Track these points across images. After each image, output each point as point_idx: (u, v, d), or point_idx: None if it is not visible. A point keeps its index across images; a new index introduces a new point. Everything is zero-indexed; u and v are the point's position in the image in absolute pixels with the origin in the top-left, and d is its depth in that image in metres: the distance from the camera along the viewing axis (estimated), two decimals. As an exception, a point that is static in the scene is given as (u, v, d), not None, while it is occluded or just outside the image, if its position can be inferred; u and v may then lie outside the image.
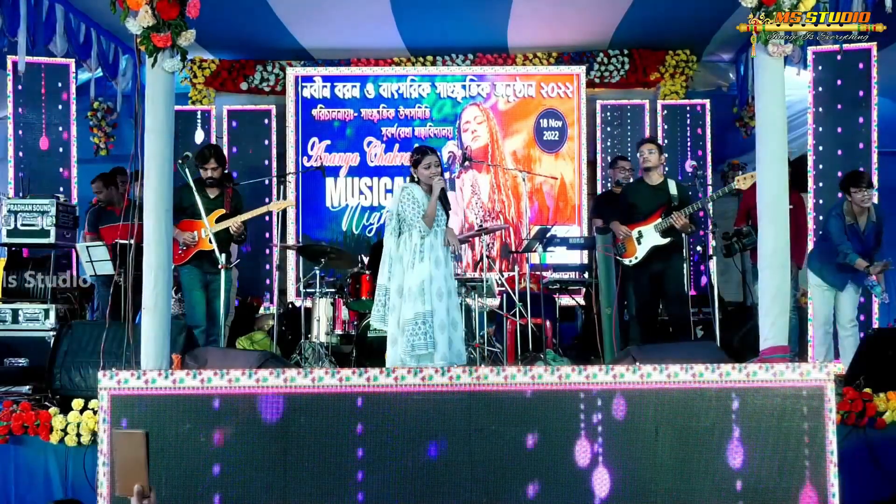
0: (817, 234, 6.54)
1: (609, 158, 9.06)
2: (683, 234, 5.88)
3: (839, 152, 6.74)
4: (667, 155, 6.02)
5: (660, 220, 5.80)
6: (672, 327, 6.05)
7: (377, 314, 5.27)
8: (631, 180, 7.40)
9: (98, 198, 6.96)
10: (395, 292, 5.17)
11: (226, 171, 6.22)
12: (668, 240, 5.82)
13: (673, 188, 5.93)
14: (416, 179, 5.28)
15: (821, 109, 6.85)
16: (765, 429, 3.33)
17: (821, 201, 6.75)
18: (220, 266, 5.56)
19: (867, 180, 6.06)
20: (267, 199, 8.52)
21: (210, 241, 5.73)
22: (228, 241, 5.97)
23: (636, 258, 5.89)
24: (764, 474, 3.32)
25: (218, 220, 5.89)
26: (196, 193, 5.47)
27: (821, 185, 6.80)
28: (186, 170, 5.70)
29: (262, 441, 3.31)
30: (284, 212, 8.61)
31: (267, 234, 9.06)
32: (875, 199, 6.31)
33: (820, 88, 6.87)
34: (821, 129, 6.85)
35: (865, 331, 6.14)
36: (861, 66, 6.75)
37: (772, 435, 3.33)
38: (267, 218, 8.62)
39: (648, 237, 5.85)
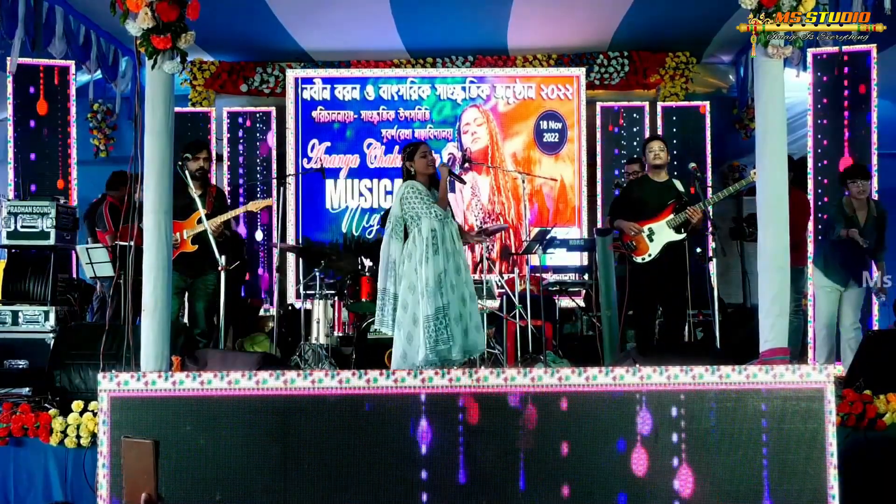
0: (818, 234, 6.55)
1: (609, 160, 9.09)
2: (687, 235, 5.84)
3: (839, 154, 6.74)
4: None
5: (672, 215, 5.74)
6: (668, 332, 6.01)
7: (380, 318, 5.27)
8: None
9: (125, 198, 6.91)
10: (407, 289, 5.16)
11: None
12: (682, 235, 5.76)
13: (679, 185, 5.90)
14: (412, 175, 5.32)
15: (820, 111, 6.86)
16: (765, 431, 3.33)
17: (821, 201, 6.76)
18: (220, 268, 5.56)
19: (863, 172, 6.07)
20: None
21: (194, 243, 5.77)
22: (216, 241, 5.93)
23: (650, 255, 5.77)
24: (765, 476, 3.32)
25: (199, 221, 5.83)
26: (180, 193, 5.32)
27: (820, 187, 6.81)
28: (186, 172, 5.72)
29: (262, 443, 3.31)
30: (284, 213, 8.62)
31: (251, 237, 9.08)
32: (875, 197, 6.33)
33: (819, 90, 6.87)
34: (820, 130, 6.85)
35: (865, 332, 6.14)
36: (861, 67, 6.76)
37: (772, 437, 3.33)
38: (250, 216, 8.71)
39: (661, 234, 5.75)
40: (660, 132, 8.96)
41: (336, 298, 7.21)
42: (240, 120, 9.25)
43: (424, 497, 3.30)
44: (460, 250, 5.33)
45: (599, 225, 8.58)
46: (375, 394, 3.32)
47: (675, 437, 3.33)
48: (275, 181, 8.75)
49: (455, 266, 5.23)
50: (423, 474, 3.31)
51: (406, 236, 5.26)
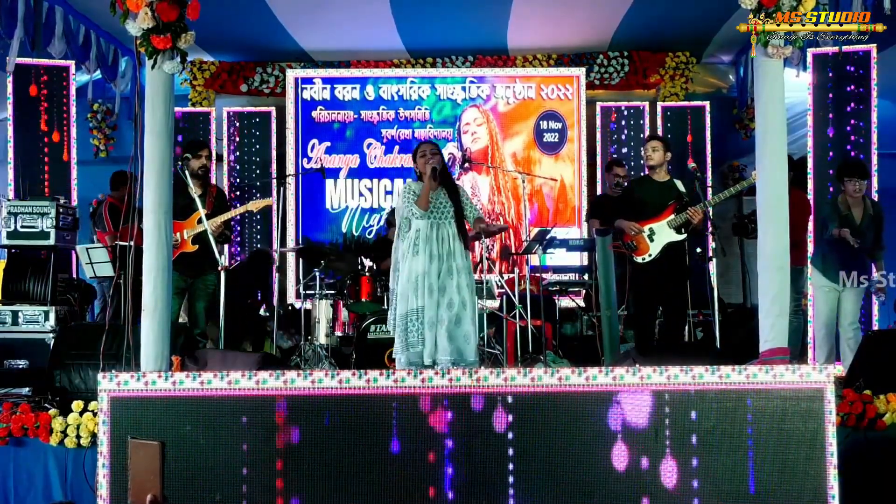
0: (817, 234, 6.54)
1: (608, 160, 9.07)
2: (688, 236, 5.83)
3: (839, 154, 6.74)
4: (669, 154, 5.96)
5: (673, 216, 5.74)
6: (668, 332, 6.01)
7: (390, 319, 5.25)
8: (626, 184, 7.40)
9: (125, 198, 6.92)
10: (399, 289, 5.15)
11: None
12: (683, 236, 5.74)
13: (680, 186, 5.89)
14: (420, 175, 5.26)
15: (820, 111, 6.85)
16: (765, 431, 3.33)
17: (821, 201, 6.75)
18: (219, 267, 5.56)
19: (860, 171, 6.06)
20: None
21: (194, 243, 5.77)
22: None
23: (650, 255, 5.75)
24: (764, 476, 3.32)
25: (199, 221, 5.82)
26: (180, 193, 5.29)
27: (820, 187, 6.80)
28: (187, 172, 5.71)
29: (262, 443, 3.31)
30: (284, 213, 8.62)
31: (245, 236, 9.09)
32: (875, 197, 6.32)
33: (819, 90, 6.86)
34: (820, 130, 6.85)
35: (865, 332, 6.14)
36: (861, 67, 6.75)
37: (773, 437, 3.33)
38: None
39: (662, 234, 5.73)
40: (660, 132, 8.97)
41: (336, 298, 7.21)
42: (239, 120, 9.26)
43: (423, 496, 3.30)
44: (455, 252, 5.13)
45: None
46: (375, 394, 3.32)
47: (674, 438, 3.33)
48: (275, 181, 8.75)
49: (446, 269, 5.07)
50: (422, 474, 3.31)
51: None
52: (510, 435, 3.32)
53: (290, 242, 9.04)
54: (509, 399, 3.33)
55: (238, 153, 9.24)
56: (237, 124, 9.26)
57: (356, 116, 9.34)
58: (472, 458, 3.32)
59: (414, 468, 3.31)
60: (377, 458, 3.31)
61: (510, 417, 3.32)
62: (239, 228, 9.13)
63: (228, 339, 5.68)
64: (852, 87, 6.76)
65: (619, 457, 3.32)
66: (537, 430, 3.32)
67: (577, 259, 8.57)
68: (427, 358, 4.96)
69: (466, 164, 9.03)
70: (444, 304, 5.03)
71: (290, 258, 8.99)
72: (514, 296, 7.07)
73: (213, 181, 8.30)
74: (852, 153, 6.71)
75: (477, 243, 8.37)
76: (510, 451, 3.32)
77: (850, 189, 6.00)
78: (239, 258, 9.09)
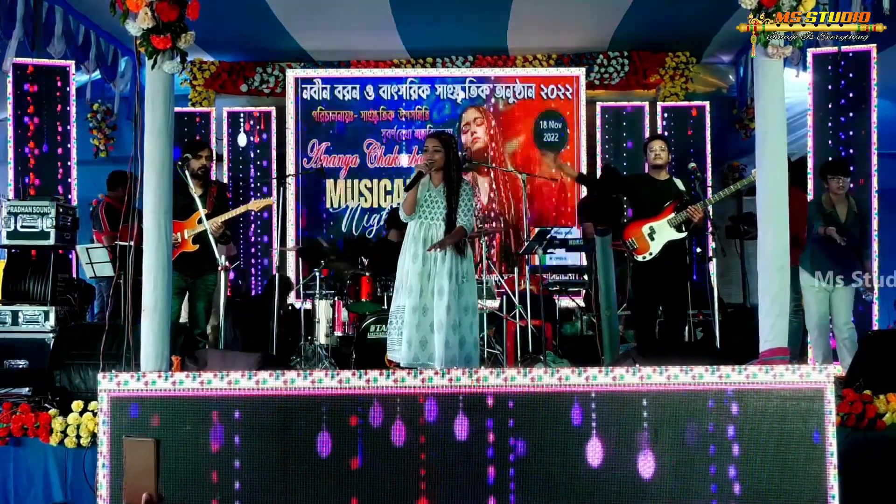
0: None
1: (608, 160, 9.07)
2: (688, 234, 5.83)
3: (839, 154, 6.74)
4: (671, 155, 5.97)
5: (673, 214, 5.74)
6: (668, 330, 6.01)
7: None
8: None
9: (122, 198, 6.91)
10: None
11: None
12: (683, 234, 5.73)
13: (680, 184, 5.89)
14: None
15: (820, 111, 6.85)
16: (766, 431, 3.33)
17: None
18: (219, 267, 5.56)
19: (843, 168, 6.06)
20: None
21: (195, 242, 5.77)
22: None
23: (650, 254, 5.73)
24: (765, 476, 3.32)
25: (199, 221, 5.81)
26: (181, 193, 5.22)
27: (820, 187, 6.80)
28: (187, 172, 5.71)
29: (263, 444, 3.31)
30: (284, 213, 8.62)
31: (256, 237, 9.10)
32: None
33: (819, 90, 6.86)
34: (820, 130, 6.84)
35: (866, 333, 6.12)
36: (860, 67, 6.75)
37: (773, 437, 3.33)
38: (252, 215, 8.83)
39: (662, 232, 5.71)
40: (660, 132, 8.96)
41: (336, 298, 7.20)
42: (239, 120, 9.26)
43: (424, 496, 3.30)
44: (437, 256, 4.91)
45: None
46: (375, 394, 3.32)
47: (674, 437, 3.33)
48: (275, 181, 8.75)
49: (436, 272, 4.91)
50: (423, 473, 3.31)
51: None
52: (510, 434, 3.32)
53: (290, 242, 9.03)
54: (509, 399, 3.33)
55: (237, 153, 9.23)
56: (237, 124, 9.25)
57: (356, 116, 9.34)
58: (472, 458, 3.32)
59: (413, 467, 3.32)
60: (377, 456, 3.31)
61: (510, 417, 3.33)
62: (250, 224, 9.15)
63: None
64: (852, 86, 6.76)
65: (619, 456, 3.32)
66: (537, 429, 3.33)
67: (577, 259, 8.57)
68: (403, 361, 4.87)
69: (466, 164, 9.03)
70: (434, 308, 4.91)
71: (290, 258, 8.99)
72: (514, 296, 7.07)
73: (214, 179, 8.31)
74: (852, 153, 6.71)
75: (476, 243, 8.38)
76: (510, 451, 3.32)
77: (833, 186, 5.99)
78: (235, 269, 9.07)
